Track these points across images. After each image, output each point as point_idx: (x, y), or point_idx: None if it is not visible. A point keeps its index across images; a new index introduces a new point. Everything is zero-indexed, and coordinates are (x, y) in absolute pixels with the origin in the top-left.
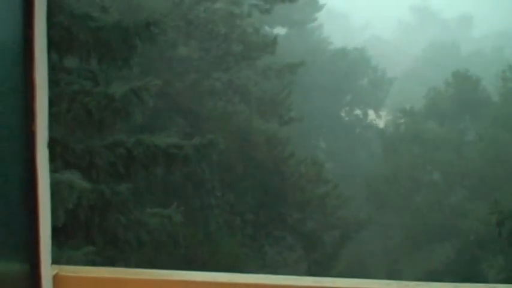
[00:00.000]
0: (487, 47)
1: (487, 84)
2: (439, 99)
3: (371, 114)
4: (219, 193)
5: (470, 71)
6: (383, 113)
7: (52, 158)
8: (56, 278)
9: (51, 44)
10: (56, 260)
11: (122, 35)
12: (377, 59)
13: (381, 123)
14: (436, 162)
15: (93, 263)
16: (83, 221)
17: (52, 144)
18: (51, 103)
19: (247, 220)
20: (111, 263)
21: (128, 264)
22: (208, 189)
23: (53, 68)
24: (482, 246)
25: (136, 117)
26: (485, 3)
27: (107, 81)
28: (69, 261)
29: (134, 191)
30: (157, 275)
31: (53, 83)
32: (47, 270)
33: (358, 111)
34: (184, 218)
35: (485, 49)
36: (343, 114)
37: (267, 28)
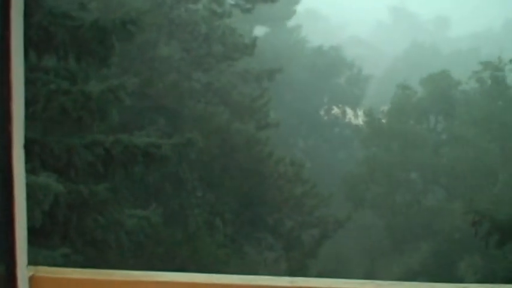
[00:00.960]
0: (464, 47)
1: (464, 84)
2: (416, 99)
3: (349, 113)
4: (199, 193)
5: (447, 71)
6: (361, 112)
7: (30, 158)
8: (32, 280)
9: (29, 43)
10: (33, 261)
11: (99, 34)
12: (355, 59)
13: (358, 122)
14: (413, 162)
15: (71, 264)
16: (61, 221)
17: (30, 144)
18: (28, 103)
19: (227, 220)
20: (90, 263)
21: (106, 265)
22: (188, 189)
23: (30, 68)
24: (459, 245)
25: (113, 116)
26: (460, 5)
27: (85, 81)
28: (47, 262)
29: (113, 191)
30: (133, 276)
31: (30, 82)
32: (23, 271)
33: (336, 110)
34: (164, 218)
35: (462, 49)
36: (321, 113)
37: (246, 27)
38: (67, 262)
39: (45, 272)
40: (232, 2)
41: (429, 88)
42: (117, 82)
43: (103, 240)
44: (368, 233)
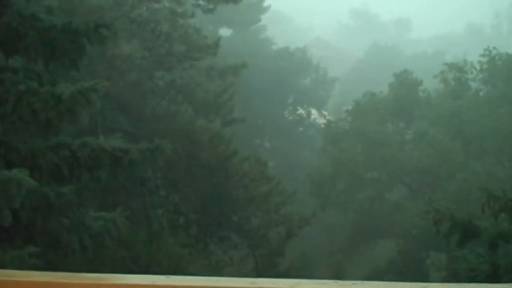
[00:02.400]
0: (425, 49)
1: (427, 85)
2: (380, 99)
3: (314, 113)
4: (162, 193)
5: (409, 71)
6: (326, 112)
7: None
8: None
9: None
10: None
11: (70, 36)
12: (319, 60)
13: (323, 122)
14: (377, 160)
15: (33, 267)
16: (25, 223)
17: None
18: None
19: (191, 219)
20: (53, 266)
21: (66, 268)
22: (152, 188)
23: None
24: (424, 243)
25: (83, 118)
26: (421, 8)
27: (53, 82)
28: (14, 262)
29: (78, 193)
30: (91, 278)
31: None
32: None
33: (301, 111)
34: (127, 218)
35: (425, 52)
36: (286, 114)
37: (211, 28)
38: (30, 264)
39: (5, 274)
40: (194, 2)
41: (394, 89)
42: (87, 84)
43: (67, 242)
44: (333, 231)
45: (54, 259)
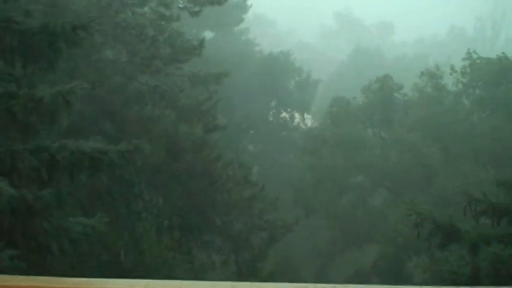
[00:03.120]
0: (408, 52)
1: (408, 90)
2: (360, 103)
3: (297, 117)
4: (146, 197)
5: (390, 76)
6: (308, 116)
7: None
8: None
9: None
10: None
11: (47, 39)
12: (303, 64)
13: (306, 126)
14: (359, 165)
15: (17, 270)
16: (5, 226)
17: None
18: None
19: (175, 223)
20: (38, 269)
21: (52, 271)
22: (136, 193)
23: None
24: (407, 246)
25: (63, 121)
26: (404, 11)
27: (31, 85)
28: None
29: (57, 197)
30: (72, 283)
31: None
32: None
33: (285, 114)
34: (111, 223)
35: (407, 54)
36: (270, 117)
37: (194, 32)
38: (11, 267)
39: None
40: (181, 5)
41: (375, 92)
42: (67, 87)
43: (46, 245)
44: (317, 236)
45: (38, 262)
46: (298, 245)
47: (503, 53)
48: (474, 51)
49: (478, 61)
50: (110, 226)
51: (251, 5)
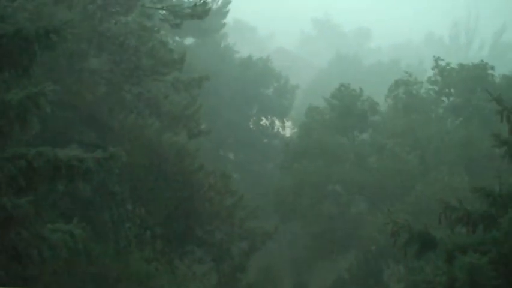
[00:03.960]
0: (384, 58)
1: (383, 97)
2: (340, 110)
3: (277, 123)
4: (129, 207)
5: (367, 83)
6: (288, 123)
7: None
8: None
9: None
10: None
11: (22, 44)
12: (282, 70)
13: (286, 133)
14: (337, 173)
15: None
16: None
17: None
18: None
19: (158, 234)
20: (18, 280)
21: (37, 282)
22: (118, 202)
23: None
24: (383, 255)
25: (33, 125)
26: (381, 17)
27: (7, 91)
28: None
29: (36, 205)
30: None
31: None
32: None
33: (265, 121)
34: (94, 233)
35: (383, 60)
36: (251, 124)
37: (177, 38)
38: None
39: None
40: (161, 17)
41: (346, 100)
42: (36, 89)
43: (26, 254)
44: (295, 244)
45: (18, 272)
46: (277, 254)
47: (482, 60)
48: (439, 58)
49: (448, 68)
50: (93, 236)
51: (228, 11)
